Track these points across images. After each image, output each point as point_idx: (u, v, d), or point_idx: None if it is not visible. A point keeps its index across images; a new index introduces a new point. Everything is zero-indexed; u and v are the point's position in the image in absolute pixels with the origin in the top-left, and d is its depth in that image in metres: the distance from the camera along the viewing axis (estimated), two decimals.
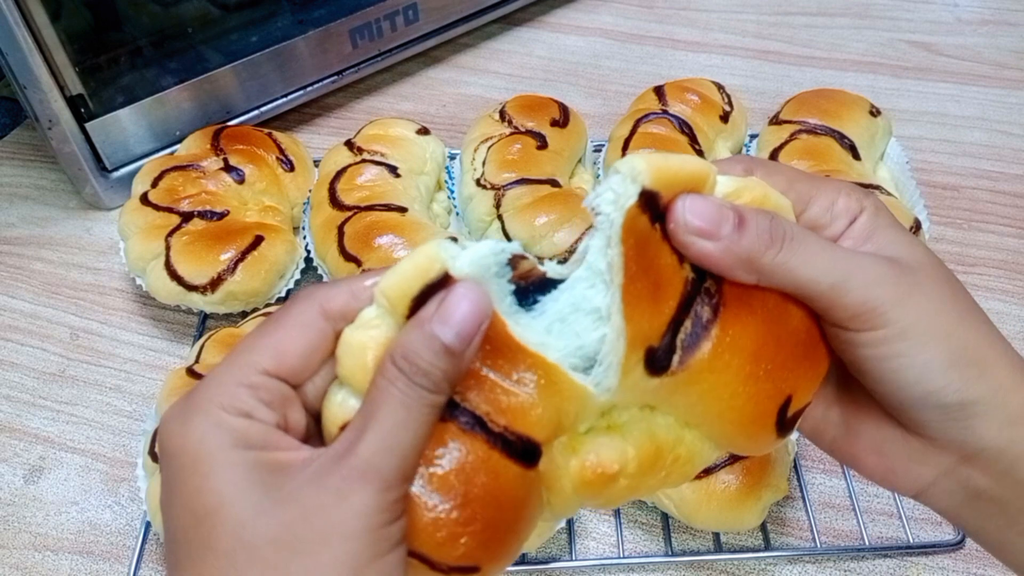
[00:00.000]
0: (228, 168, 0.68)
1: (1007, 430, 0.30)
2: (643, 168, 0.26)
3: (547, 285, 0.28)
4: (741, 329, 0.28)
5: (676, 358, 0.27)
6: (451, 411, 0.26)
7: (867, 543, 0.54)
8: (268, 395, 0.27)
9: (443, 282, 0.26)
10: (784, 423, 0.29)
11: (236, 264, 0.61)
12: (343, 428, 0.27)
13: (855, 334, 0.29)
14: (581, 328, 0.27)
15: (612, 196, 0.26)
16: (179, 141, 0.73)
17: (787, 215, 0.30)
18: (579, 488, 0.28)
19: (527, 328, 0.27)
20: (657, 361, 0.27)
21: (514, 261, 0.27)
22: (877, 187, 0.65)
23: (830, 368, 0.32)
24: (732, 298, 0.28)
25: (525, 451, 0.26)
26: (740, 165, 0.31)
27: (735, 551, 0.54)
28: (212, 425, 0.26)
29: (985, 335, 0.30)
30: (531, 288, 0.28)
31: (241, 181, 0.68)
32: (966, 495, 0.31)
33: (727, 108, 0.74)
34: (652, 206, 0.26)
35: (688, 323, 0.27)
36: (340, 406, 0.27)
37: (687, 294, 0.27)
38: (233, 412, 0.26)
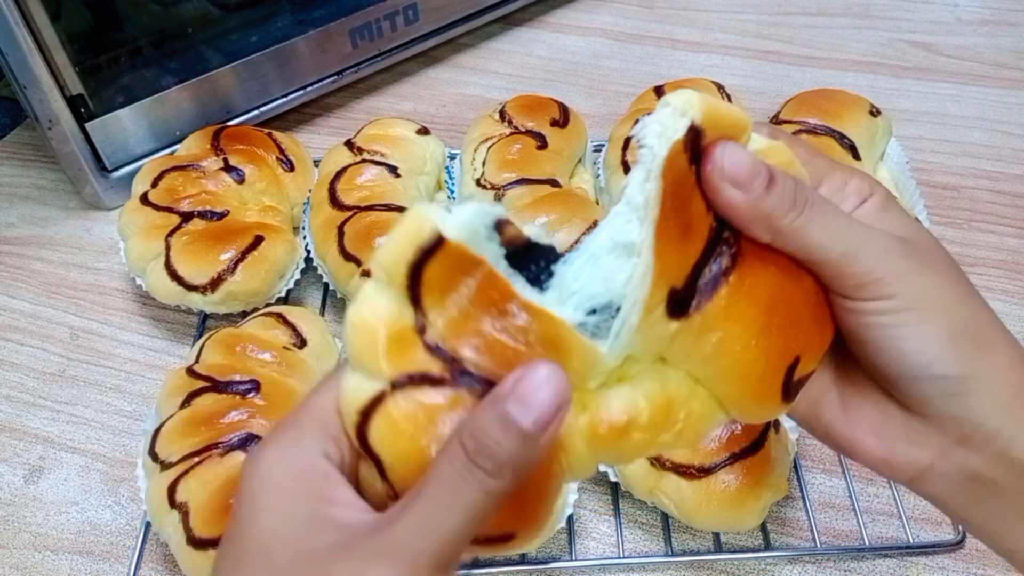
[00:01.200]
0: (228, 168, 0.68)
1: (1003, 409, 0.30)
2: (696, 103, 0.26)
3: (553, 259, 0.28)
4: (757, 280, 0.28)
5: (695, 302, 0.27)
6: (460, 377, 0.26)
7: (867, 543, 0.54)
8: (337, 430, 0.27)
9: (437, 245, 0.25)
10: (790, 386, 0.30)
11: (236, 264, 0.62)
12: (362, 413, 0.26)
13: (861, 303, 0.30)
14: (609, 269, 0.27)
15: (659, 128, 0.26)
16: (179, 141, 0.73)
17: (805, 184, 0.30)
18: (592, 444, 0.27)
19: (527, 291, 0.27)
20: (679, 303, 0.27)
21: (499, 225, 0.27)
22: None
23: (831, 346, 0.32)
24: (749, 252, 0.28)
25: None
26: (765, 129, 0.31)
27: (735, 551, 0.54)
28: (279, 464, 0.27)
29: (986, 316, 0.31)
30: (532, 259, 0.27)
31: (241, 181, 0.68)
32: (963, 479, 0.31)
33: None
34: (695, 145, 0.26)
35: (707, 269, 0.27)
36: (355, 391, 0.26)
37: (710, 240, 0.28)
38: (310, 447, 0.27)
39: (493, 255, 0.26)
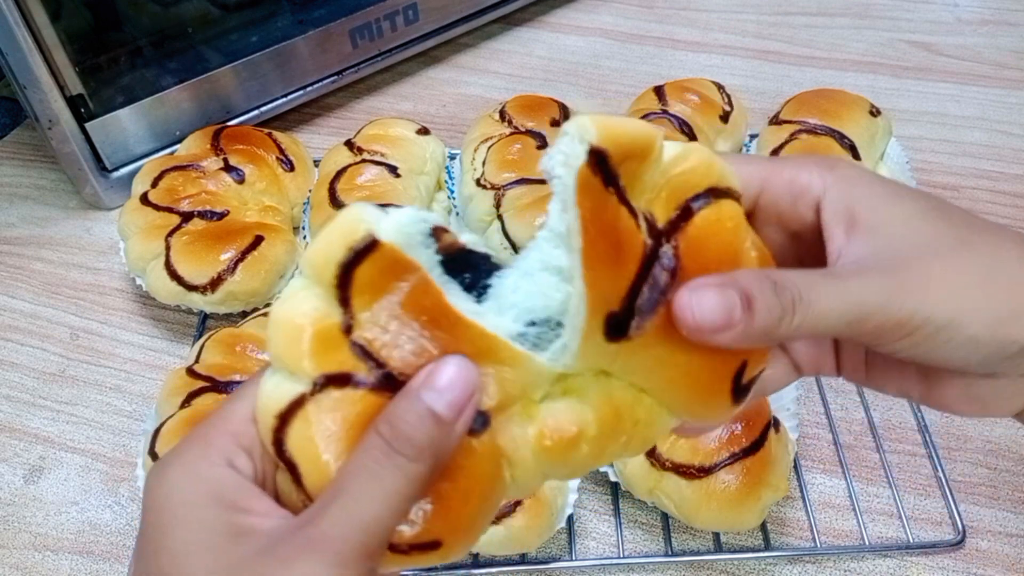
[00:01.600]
0: (228, 168, 0.68)
1: None
2: (589, 126, 0.26)
3: (491, 270, 0.27)
4: None
5: (634, 323, 0.27)
6: (388, 384, 0.25)
7: (867, 543, 0.54)
8: (249, 441, 0.26)
9: (371, 247, 0.25)
10: (739, 390, 0.29)
11: (236, 264, 0.61)
12: (279, 417, 0.25)
13: (893, 346, 0.29)
14: (544, 286, 0.26)
15: (562, 158, 0.26)
16: (179, 141, 0.73)
17: (731, 182, 0.29)
18: (540, 456, 0.27)
19: (461, 300, 0.26)
20: (617, 326, 0.26)
21: (435, 232, 0.26)
22: None
23: None
24: (689, 262, 0.28)
25: None
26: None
27: (735, 551, 0.54)
28: (185, 478, 0.26)
29: (999, 264, 0.29)
30: (468, 267, 0.27)
31: (241, 181, 0.68)
32: None
33: (727, 108, 0.74)
34: (603, 167, 0.26)
35: (646, 288, 0.27)
36: (273, 394, 0.26)
37: (646, 258, 0.27)
38: (216, 459, 0.26)
39: (428, 261, 0.26)
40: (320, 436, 0.25)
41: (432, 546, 0.26)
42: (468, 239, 0.27)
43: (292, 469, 0.26)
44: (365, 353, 0.25)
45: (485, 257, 0.27)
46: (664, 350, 0.28)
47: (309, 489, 0.26)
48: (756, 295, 0.26)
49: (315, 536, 0.24)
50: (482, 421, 0.26)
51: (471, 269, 0.27)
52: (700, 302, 0.26)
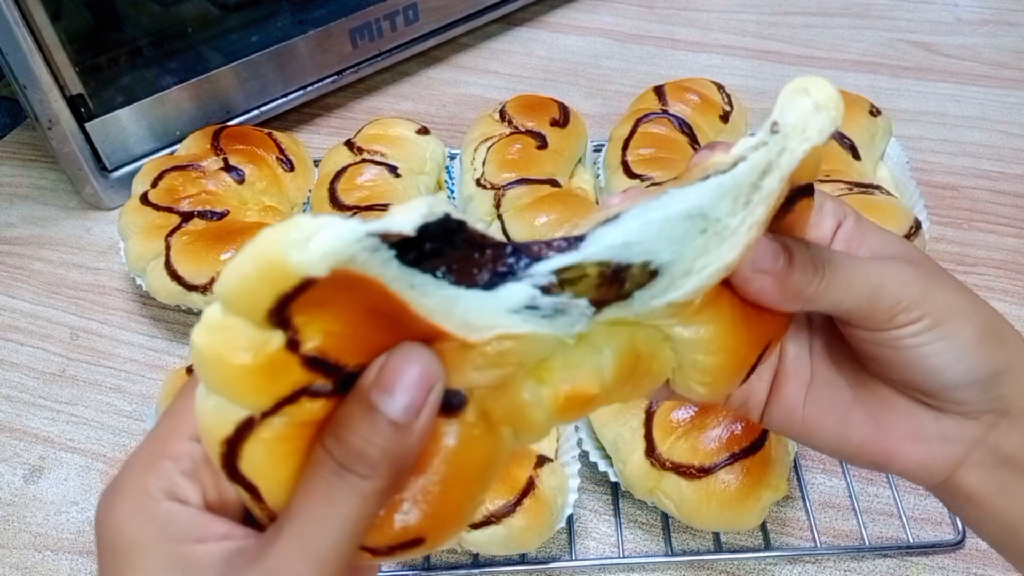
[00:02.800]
0: (228, 168, 0.68)
1: None
2: (837, 105, 0.26)
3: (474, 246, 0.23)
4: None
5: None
6: (343, 383, 0.23)
7: (867, 543, 0.54)
8: (192, 463, 0.25)
9: (305, 287, 0.20)
10: (750, 371, 0.31)
11: None
12: (227, 443, 0.23)
13: (894, 332, 0.30)
14: (673, 232, 0.25)
15: (799, 120, 0.25)
16: (179, 141, 0.73)
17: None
18: (555, 415, 0.27)
19: (424, 291, 0.22)
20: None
21: (385, 239, 0.21)
22: (877, 187, 0.65)
23: (842, 373, 0.33)
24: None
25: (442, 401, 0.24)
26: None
27: (735, 551, 0.54)
28: (132, 516, 0.24)
29: (991, 309, 0.33)
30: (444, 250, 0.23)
31: (241, 181, 0.68)
32: (996, 463, 0.32)
33: (727, 108, 0.74)
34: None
35: None
36: (215, 418, 0.22)
37: None
38: (158, 495, 0.24)
39: (380, 264, 0.21)
40: (277, 456, 0.23)
41: (414, 543, 0.24)
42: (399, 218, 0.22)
43: (251, 490, 0.24)
44: (318, 363, 0.22)
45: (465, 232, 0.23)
46: (717, 311, 0.28)
47: (272, 507, 0.24)
48: (796, 254, 0.29)
49: (269, 571, 0.23)
50: (459, 400, 0.24)
51: (449, 250, 0.23)
52: (759, 244, 0.28)
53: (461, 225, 0.23)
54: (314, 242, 0.20)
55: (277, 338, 0.21)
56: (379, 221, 0.21)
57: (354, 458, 0.22)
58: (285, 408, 0.22)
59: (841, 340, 0.33)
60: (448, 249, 0.23)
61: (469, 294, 0.23)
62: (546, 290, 0.24)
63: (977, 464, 0.32)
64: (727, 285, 0.29)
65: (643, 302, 0.26)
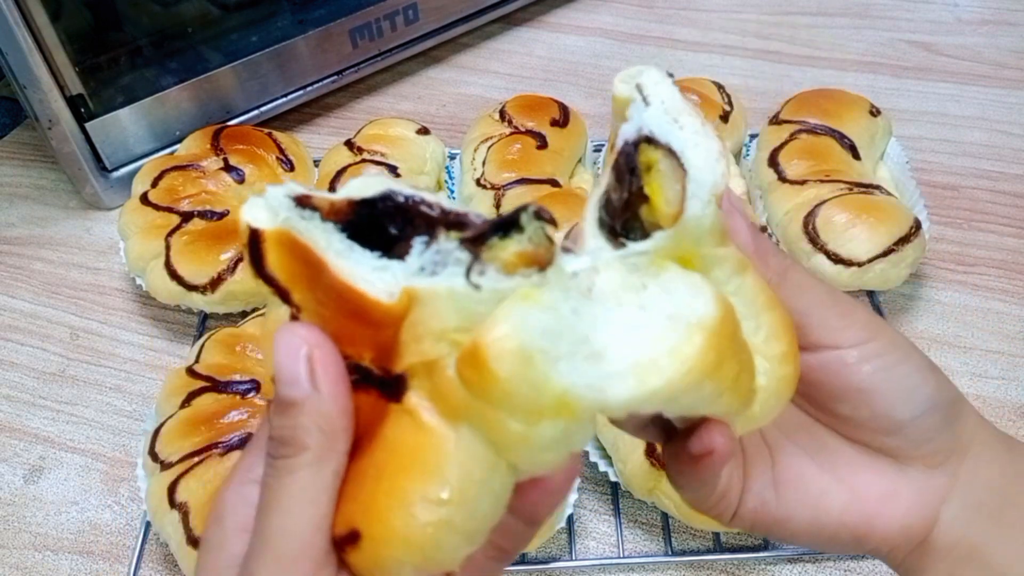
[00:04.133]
0: (228, 168, 0.68)
1: (981, 425, 0.32)
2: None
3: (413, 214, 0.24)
4: None
5: None
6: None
7: None
8: None
9: (257, 239, 0.23)
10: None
11: (236, 264, 0.61)
12: None
13: (856, 350, 0.30)
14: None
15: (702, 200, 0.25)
16: (179, 141, 0.73)
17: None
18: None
19: (350, 258, 0.23)
20: None
21: (301, 201, 0.24)
22: (877, 187, 0.65)
23: (800, 444, 0.32)
24: None
25: (371, 378, 0.24)
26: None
27: (735, 551, 0.54)
28: None
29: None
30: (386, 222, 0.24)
31: (241, 181, 0.68)
32: (970, 514, 0.31)
33: (727, 108, 0.74)
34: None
35: None
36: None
37: None
38: None
39: (319, 231, 0.24)
40: None
41: (352, 538, 0.23)
42: (355, 188, 0.25)
43: None
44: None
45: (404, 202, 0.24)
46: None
47: None
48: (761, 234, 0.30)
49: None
50: (398, 384, 0.23)
51: (394, 222, 0.24)
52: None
53: (398, 200, 0.24)
54: (260, 198, 0.24)
55: (284, 311, 0.24)
56: (294, 186, 0.24)
57: (277, 445, 0.24)
58: None
59: (788, 412, 0.32)
60: (387, 223, 0.24)
61: (388, 261, 0.24)
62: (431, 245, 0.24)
63: (952, 519, 0.31)
64: None
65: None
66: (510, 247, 0.22)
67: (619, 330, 0.22)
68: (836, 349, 0.30)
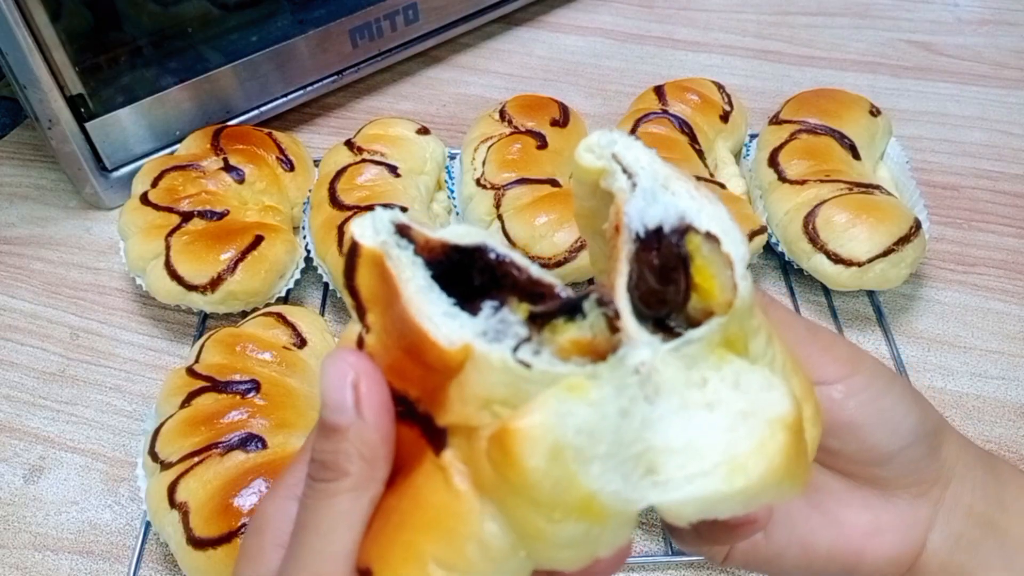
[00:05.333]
0: (228, 168, 0.68)
1: (962, 446, 0.32)
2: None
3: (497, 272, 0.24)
4: None
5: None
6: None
7: None
8: None
9: (354, 252, 0.24)
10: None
11: (236, 264, 0.61)
12: None
13: (843, 383, 0.30)
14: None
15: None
16: (179, 141, 0.73)
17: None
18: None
19: (426, 297, 0.23)
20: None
21: (401, 230, 0.24)
22: (877, 187, 0.65)
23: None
24: None
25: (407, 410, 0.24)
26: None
27: None
28: None
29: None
30: (465, 270, 0.24)
31: (241, 181, 0.68)
32: (954, 543, 0.32)
33: (727, 108, 0.74)
34: None
35: None
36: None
37: None
38: None
39: (409, 264, 0.24)
40: None
41: (365, 574, 0.24)
42: (453, 232, 0.25)
43: None
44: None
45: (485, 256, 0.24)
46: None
47: None
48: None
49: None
50: (441, 438, 0.23)
51: (471, 271, 0.24)
52: None
53: (489, 256, 0.24)
54: (371, 216, 0.24)
55: (356, 327, 0.25)
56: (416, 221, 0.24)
57: (319, 468, 0.24)
58: None
59: None
60: (473, 274, 0.24)
61: (460, 312, 0.23)
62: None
63: (939, 545, 0.32)
64: None
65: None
66: (569, 332, 0.22)
67: (689, 431, 0.21)
68: (821, 385, 0.30)
